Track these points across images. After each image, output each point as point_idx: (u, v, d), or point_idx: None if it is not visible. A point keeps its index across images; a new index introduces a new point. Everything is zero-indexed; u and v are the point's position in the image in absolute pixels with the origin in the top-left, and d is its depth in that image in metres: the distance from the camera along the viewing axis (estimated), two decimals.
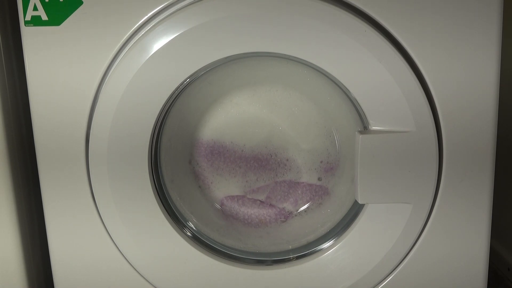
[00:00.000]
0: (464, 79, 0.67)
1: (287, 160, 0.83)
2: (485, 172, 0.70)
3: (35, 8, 0.67)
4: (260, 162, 0.83)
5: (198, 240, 0.79)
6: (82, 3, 0.67)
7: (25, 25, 0.68)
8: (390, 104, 0.67)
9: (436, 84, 0.67)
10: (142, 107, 0.68)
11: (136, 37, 0.67)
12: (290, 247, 0.81)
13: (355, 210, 0.77)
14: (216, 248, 0.80)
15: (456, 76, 0.67)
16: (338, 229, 0.79)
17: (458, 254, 0.74)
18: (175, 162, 0.82)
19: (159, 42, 0.66)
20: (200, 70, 0.68)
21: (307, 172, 0.83)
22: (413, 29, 0.66)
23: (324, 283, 0.75)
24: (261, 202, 0.85)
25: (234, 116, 0.81)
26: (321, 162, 0.82)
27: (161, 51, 0.66)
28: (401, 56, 0.65)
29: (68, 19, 0.68)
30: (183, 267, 0.76)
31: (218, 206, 0.85)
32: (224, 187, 0.84)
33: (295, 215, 0.85)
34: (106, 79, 0.69)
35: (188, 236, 0.77)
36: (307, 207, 0.84)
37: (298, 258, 0.78)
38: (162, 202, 0.75)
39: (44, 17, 0.68)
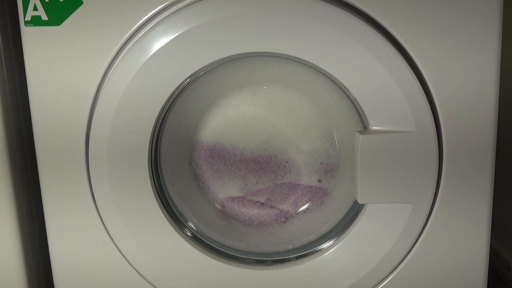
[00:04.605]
0: (464, 79, 0.67)
1: (287, 162, 0.83)
2: (485, 172, 0.70)
3: (35, 8, 0.67)
4: (260, 165, 0.83)
5: (198, 240, 0.79)
6: (82, 3, 0.67)
7: (25, 25, 0.68)
8: (390, 104, 0.67)
9: (436, 84, 0.67)
10: (142, 107, 0.68)
11: (136, 37, 0.67)
12: (290, 247, 0.81)
13: (355, 210, 0.77)
14: (216, 248, 0.80)
15: (456, 76, 0.67)
16: (338, 229, 0.79)
17: (458, 254, 0.74)
18: (175, 163, 0.81)
19: (159, 42, 0.66)
20: (200, 70, 0.68)
21: (307, 174, 0.83)
22: (413, 29, 0.66)
23: (324, 283, 0.75)
24: (261, 203, 0.84)
25: (233, 118, 0.81)
26: (321, 163, 0.82)
27: (161, 51, 0.66)
28: (401, 56, 0.65)
29: (68, 19, 0.68)
30: (183, 267, 0.75)
31: (218, 206, 0.85)
32: (224, 190, 0.84)
33: (295, 216, 0.85)
34: (106, 79, 0.69)
35: (188, 236, 0.77)
36: (307, 208, 0.84)
37: (298, 258, 0.78)
38: (162, 202, 0.75)
39: (44, 17, 0.68)
